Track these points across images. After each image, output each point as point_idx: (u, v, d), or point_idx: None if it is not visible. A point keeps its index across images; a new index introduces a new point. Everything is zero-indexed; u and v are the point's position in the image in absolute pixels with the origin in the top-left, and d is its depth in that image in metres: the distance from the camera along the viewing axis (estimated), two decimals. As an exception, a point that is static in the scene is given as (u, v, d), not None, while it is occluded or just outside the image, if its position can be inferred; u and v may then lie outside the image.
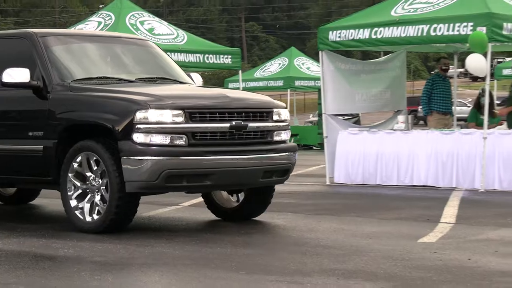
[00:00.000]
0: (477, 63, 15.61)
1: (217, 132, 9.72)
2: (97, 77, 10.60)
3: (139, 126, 9.27)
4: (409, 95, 45.63)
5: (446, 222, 11.07)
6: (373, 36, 16.71)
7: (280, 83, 34.94)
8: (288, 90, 36.60)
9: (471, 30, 15.28)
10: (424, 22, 16.07)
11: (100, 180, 9.68)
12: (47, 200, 13.20)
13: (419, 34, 16.13)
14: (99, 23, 21.24)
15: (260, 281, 7.36)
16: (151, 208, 11.95)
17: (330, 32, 17.48)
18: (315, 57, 26.48)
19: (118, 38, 12.07)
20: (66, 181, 9.86)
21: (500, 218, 11.71)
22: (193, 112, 9.55)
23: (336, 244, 9.47)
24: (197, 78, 11.84)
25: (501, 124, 17.50)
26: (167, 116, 9.35)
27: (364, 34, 16.91)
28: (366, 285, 7.19)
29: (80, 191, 9.85)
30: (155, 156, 9.26)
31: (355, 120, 33.46)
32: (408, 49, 19.07)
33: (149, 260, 8.34)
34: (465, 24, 15.46)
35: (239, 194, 11.06)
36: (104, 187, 9.65)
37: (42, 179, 10.38)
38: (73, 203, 9.84)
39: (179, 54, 19.70)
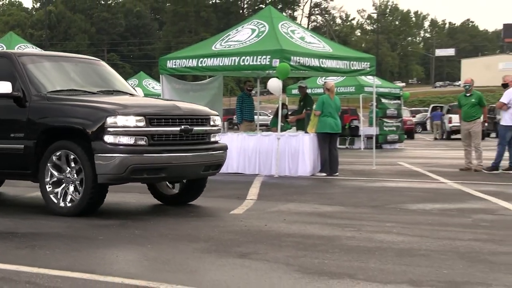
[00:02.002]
0: (275, 85, 15.87)
1: (170, 134, 9.36)
2: (67, 89, 10.02)
3: (109, 129, 8.84)
4: (226, 108, 46.25)
5: (250, 199, 11.17)
6: (199, 65, 16.78)
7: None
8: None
9: (268, 61, 15.58)
10: (235, 55, 16.25)
11: (75, 174, 9.16)
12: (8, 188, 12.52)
13: (232, 64, 16.29)
14: None
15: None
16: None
17: (168, 61, 17.45)
18: (157, 79, 26.24)
19: (77, 58, 11.38)
20: (45, 172, 9.33)
21: (288, 195, 11.90)
22: (152, 118, 9.16)
23: (170, 216, 9.47)
24: (140, 91, 11.37)
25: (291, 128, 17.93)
26: (132, 121, 8.95)
27: (192, 63, 16.95)
28: (190, 245, 7.21)
29: (55, 179, 9.31)
30: (122, 154, 8.83)
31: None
32: (225, 74, 19.17)
33: (113, 236, 8.06)
34: (264, 56, 15.73)
35: (176, 184, 10.69)
36: (78, 181, 9.15)
37: (23, 172, 9.78)
38: (49, 190, 9.33)
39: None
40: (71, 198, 9.22)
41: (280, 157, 15.77)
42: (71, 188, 9.23)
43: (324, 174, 15.79)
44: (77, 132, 9.15)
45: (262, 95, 20.84)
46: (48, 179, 9.34)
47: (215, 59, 16.52)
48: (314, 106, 17.00)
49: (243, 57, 16.09)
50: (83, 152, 9.00)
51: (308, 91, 20.89)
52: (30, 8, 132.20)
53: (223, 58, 16.40)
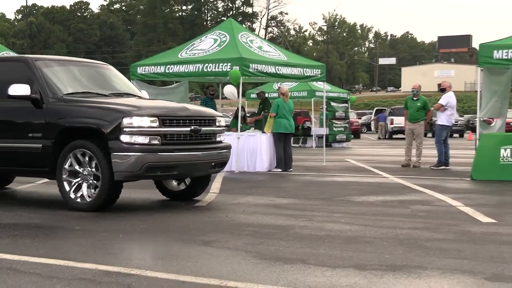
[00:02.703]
0: (230, 90, 15.89)
1: (181, 134, 9.05)
2: (81, 92, 9.62)
3: (125, 129, 8.51)
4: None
5: (213, 193, 11.11)
6: (167, 71, 16.73)
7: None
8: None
9: (229, 68, 15.56)
10: (199, 62, 16.21)
11: (91, 172, 8.80)
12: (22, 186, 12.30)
13: (196, 70, 16.25)
14: None
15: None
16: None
17: (139, 68, 17.38)
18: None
19: (86, 62, 10.96)
20: (62, 170, 8.94)
21: (247, 189, 11.91)
22: (164, 119, 8.84)
23: (141, 209, 9.39)
24: (145, 93, 11.07)
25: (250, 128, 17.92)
26: (146, 122, 8.63)
27: (160, 69, 16.91)
28: (160, 234, 7.18)
29: (72, 176, 8.94)
30: (138, 152, 8.50)
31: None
32: (190, 80, 19.09)
33: (89, 226, 7.97)
34: (225, 64, 15.71)
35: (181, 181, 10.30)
36: (94, 178, 8.79)
37: (39, 170, 9.37)
38: (66, 187, 8.95)
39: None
40: (87, 195, 8.88)
41: (239, 155, 15.75)
42: (87, 185, 8.89)
43: (280, 170, 15.81)
44: (93, 132, 8.80)
45: (224, 98, 20.77)
46: (65, 177, 8.97)
47: (181, 66, 16.47)
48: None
49: (206, 64, 16.06)
50: (100, 151, 8.67)
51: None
52: (12, 19, 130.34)
53: (188, 65, 16.35)
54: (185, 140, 9.15)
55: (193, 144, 9.26)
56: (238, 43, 16.44)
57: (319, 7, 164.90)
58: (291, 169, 15.91)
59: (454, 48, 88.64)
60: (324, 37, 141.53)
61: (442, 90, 17.21)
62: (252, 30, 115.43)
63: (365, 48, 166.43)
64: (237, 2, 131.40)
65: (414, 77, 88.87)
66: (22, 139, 9.34)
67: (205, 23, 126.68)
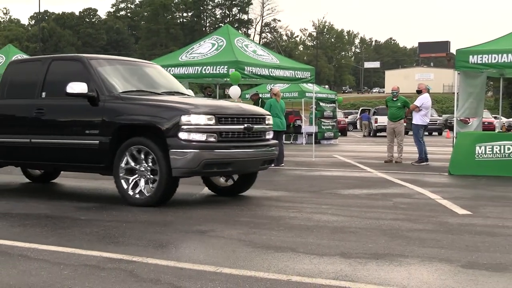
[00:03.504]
0: (233, 91, 15.82)
1: (235, 132, 8.61)
2: (135, 90, 9.20)
3: (183, 126, 8.11)
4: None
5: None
6: (169, 73, 16.63)
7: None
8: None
9: (226, 71, 15.52)
10: (198, 65, 16.17)
11: (149, 168, 8.41)
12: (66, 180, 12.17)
13: (195, 72, 16.21)
14: None
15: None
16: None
17: None
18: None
19: (135, 61, 10.37)
20: (119, 166, 8.55)
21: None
22: (220, 117, 8.41)
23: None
24: (191, 92, 10.69)
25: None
26: (203, 119, 8.22)
27: (162, 71, 16.86)
28: (159, 226, 7.13)
29: (129, 173, 8.55)
30: (196, 149, 8.11)
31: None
32: (190, 81, 19.01)
33: (128, 218, 7.89)
34: (222, 66, 15.68)
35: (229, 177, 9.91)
36: (151, 174, 8.40)
37: (96, 166, 8.92)
38: (123, 182, 8.57)
39: None
40: (146, 191, 8.49)
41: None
42: (145, 180, 8.50)
43: (272, 165, 15.77)
44: (151, 129, 8.38)
45: (221, 98, 20.76)
46: (122, 174, 8.57)
47: (181, 68, 16.40)
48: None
49: (205, 67, 16.00)
50: (158, 148, 8.27)
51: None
52: (26, 25, 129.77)
53: (188, 68, 16.29)
54: (239, 138, 8.74)
55: (246, 141, 8.85)
56: (234, 47, 16.40)
57: (309, 14, 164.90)
58: (283, 164, 15.87)
59: (434, 53, 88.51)
60: (314, 42, 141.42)
61: (419, 92, 17.34)
62: (247, 35, 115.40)
63: (352, 53, 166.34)
64: (233, 9, 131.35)
65: (396, 80, 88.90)
66: (79, 135, 8.95)
67: (204, 29, 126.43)
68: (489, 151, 13.51)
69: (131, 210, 8.19)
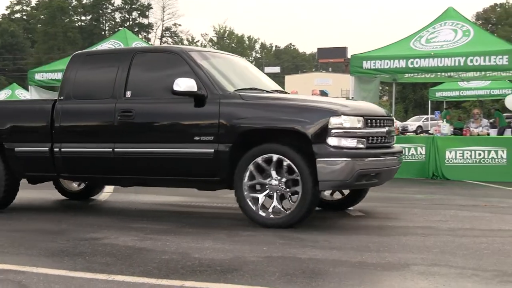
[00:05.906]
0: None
1: (379, 136, 7.27)
2: (248, 88, 7.72)
3: (333, 130, 6.69)
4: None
5: (108, 192, 10.84)
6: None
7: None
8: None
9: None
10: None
11: (284, 181, 6.95)
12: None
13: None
14: None
15: None
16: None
17: (36, 74, 17.56)
18: (27, 88, 25.28)
19: (227, 54, 8.85)
20: (243, 180, 7.07)
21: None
22: (368, 119, 7.05)
23: (42, 207, 9.05)
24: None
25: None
26: (354, 122, 6.83)
27: (58, 76, 16.74)
28: (48, 237, 6.95)
29: (256, 187, 7.13)
30: (348, 158, 6.67)
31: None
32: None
33: (83, 228, 7.48)
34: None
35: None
36: (286, 188, 6.95)
37: (207, 179, 7.37)
38: (249, 200, 7.08)
39: None
40: (283, 208, 7.04)
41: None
42: (279, 195, 7.03)
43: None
44: (289, 134, 6.97)
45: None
46: (247, 192, 7.10)
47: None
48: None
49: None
50: (300, 157, 6.83)
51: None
52: None
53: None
54: (382, 143, 7.40)
55: (386, 147, 7.51)
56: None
57: (210, 19, 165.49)
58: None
59: (332, 59, 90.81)
60: (215, 47, 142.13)
61: None
62: (147, 40, 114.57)
63: (252, 58, 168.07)
64: (133, 13, 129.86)
65: (296, 84, 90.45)
66: (185, 143, 7.36)
67: (103, 32, 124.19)
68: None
69: (20, 218, 7.92)
